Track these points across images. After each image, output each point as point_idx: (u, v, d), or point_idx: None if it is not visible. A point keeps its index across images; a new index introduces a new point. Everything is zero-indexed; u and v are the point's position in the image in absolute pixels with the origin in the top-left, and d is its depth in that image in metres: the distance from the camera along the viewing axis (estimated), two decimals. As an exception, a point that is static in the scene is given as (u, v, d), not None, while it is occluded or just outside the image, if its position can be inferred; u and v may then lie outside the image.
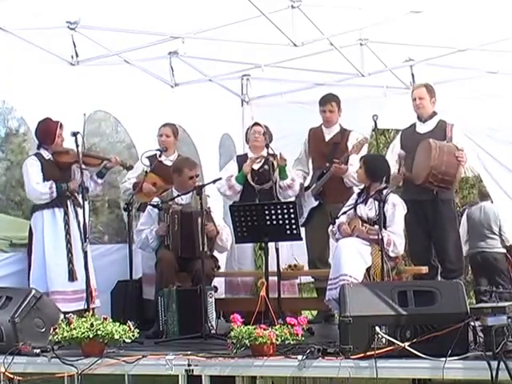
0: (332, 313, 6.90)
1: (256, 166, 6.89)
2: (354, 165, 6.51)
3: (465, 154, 6.16)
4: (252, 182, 6.83)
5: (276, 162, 6.66)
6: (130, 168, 6.77)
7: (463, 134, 6.57)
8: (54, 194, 6.18)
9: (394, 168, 6.46)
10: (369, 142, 6.70)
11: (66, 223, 6.21)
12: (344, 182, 6.76)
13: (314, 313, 7.35)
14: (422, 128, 6.48)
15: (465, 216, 9.37)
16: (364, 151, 6.63)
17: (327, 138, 6.98)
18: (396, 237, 5.68)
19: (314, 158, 7.05)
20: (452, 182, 6.18)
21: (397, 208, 5.75)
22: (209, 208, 6.38)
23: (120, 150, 8.34)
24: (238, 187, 6.88)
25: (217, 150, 8.71)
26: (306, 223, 6.91)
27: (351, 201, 6.04)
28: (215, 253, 6.48)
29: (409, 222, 6.47)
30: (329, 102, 6.92)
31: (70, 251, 6.16)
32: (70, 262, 6.14)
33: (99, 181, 6.54)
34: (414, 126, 6.56)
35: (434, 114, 6.51)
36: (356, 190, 6.35)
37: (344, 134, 6.87)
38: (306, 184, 7.05)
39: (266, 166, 6.79)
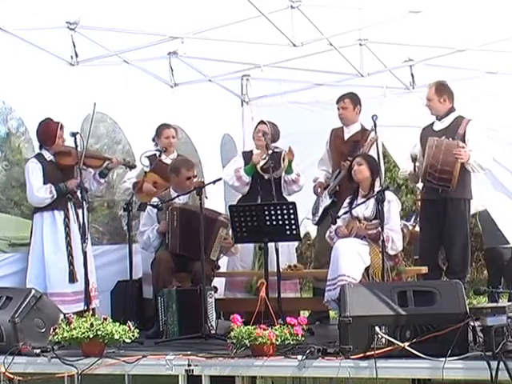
0: (326, 314, 6.91)
1: (261, 163, 6.91)
2: None
3: (464, 152, 6.11)
4: (262, 172, 6.83)
5: (285, 156, 6.66)
6: (133, 167, 6.79)
7: (482, 130, 6.43)
8: (55, 196, 6.20)
9: (409, 165, 6.49)
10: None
11: (66, 225, 6.22)
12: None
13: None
14: (438, 125, 6.44)
15: (477, 215, 9.55)
16: (374, 149, 6.57)
17: (346, 136, 6.96)
18: (394, 233, 5.72)
19: (334, 157, 7.02)
20: (450, 180, 6.14)
21: (391, 204, 5.81)
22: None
23: (117, 151, 8.34)
24: (247, 178, 6.90)
25: (218, 151, 8.70)
26: (319, 222, 6.93)
27: (345, 204, 6.07)
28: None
29: (421, 221, 6.47)
30: (341, 99, 6.92)
31: (70, 253, 6.17)
32: (71, 263, 6.16)
33: (102, 180, 6.55)
34: (432, 123, 6.54)
35: (451, 110, 6.42)
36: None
37: (364, 133, 6.81)
38: (326, 184, 7.03)
39: (270, 162, 6.82)
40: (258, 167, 6.88)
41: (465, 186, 6.33)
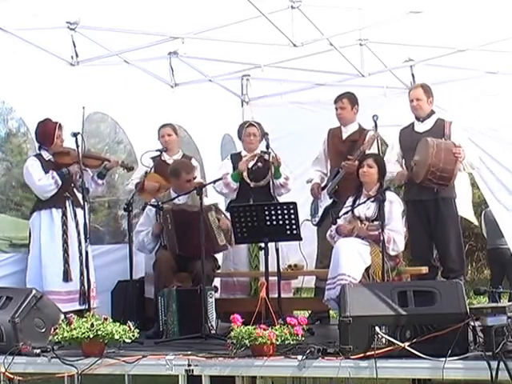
0: (326, 314, 6.90)
1: (250, 164, 6.90)
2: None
3: (462, 151, 6.17)
4: (248, 180, 6.83)
5: (270, 164, 6.65)
6: (131, 169, 6.78)
7: (463, 131, 6.54)
8: (59, 182, 6.20)
9: (394, 167, 6.48)
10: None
11: (64, 223, 6.22)
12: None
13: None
14: (420, 127, 6.49)
15: (483, 215, 9.60)
16: (374, 147, 6.57)
17: (344, 136, 6.94)
18: (395, 234, 5.71)
19: (332, 157, 7.00)
20: (450, 179, 6.20)
21: (394, 205, 5.80)
22: (217, 204, 6.40)
23: (118, 151, 8.34)
24: (234, 185, 6.89)
25: (218, 151, 8.71)
26: (320, 222, 6.92)
27: (348, 203, 6.06)
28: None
29: (411, 222, 6.49)
30: (340, 99, 6.90)
31: (66, 252, 6.17)
32: (66, 262, 6.15)
33: (100, 181, 6.54)
34: (412, 125, 6.57)
35: (432, 112, 6.51)
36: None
37: (362, 132, 6.81)
38: (323, 184, 7.00)
39: (259, 164, 6.81)
40: (245, 175, 6.85)
41: (454, 185, 6.44)
